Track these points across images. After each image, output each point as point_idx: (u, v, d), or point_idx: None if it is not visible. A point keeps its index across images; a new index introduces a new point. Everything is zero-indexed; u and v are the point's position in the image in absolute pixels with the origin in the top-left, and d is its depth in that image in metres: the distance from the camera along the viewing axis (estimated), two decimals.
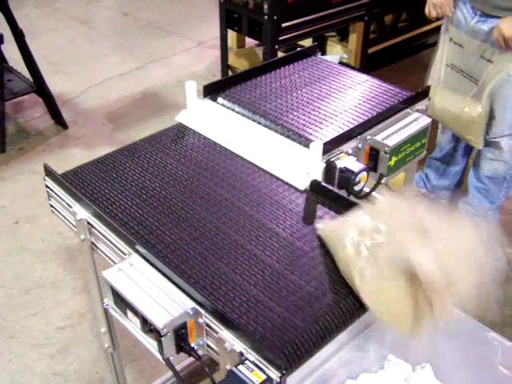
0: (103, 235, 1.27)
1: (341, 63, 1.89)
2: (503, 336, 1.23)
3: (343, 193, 1.40)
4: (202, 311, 1.05)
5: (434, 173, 2.71)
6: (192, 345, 1.07)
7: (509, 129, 2.27)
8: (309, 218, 1.28)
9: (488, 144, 2.36)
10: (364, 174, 1.39)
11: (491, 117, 2.28)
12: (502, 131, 2.28)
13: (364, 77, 1.83)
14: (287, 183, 1.38)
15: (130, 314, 1.11)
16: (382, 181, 1.53)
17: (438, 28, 2.34)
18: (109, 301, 1.16)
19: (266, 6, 2.96)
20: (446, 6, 2.23)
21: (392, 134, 1.53)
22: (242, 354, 0.99)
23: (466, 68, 2.23)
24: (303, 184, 1.37)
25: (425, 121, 1.60)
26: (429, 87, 1.75)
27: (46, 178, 1.43)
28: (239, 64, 3.62)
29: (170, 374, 1.84)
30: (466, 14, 2.15)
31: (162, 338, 1.02)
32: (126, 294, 1.08)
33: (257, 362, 0.97)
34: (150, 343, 1.09)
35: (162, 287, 1.10)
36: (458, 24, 2.19)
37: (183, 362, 1.81)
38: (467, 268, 1.06)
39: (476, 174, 2.47)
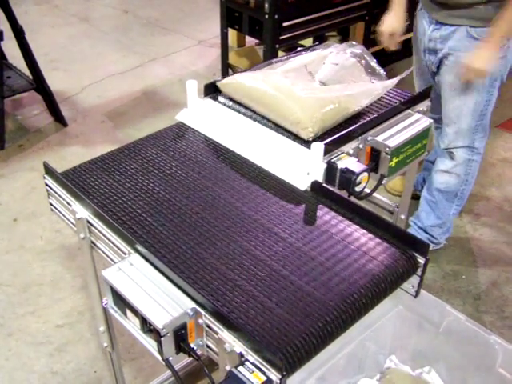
0: (103, 234, 1.27)
1: None
2: (502, 337, 1.23)
3: (344, 193, 1.39)
4: (202, 312, 1.05)
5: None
6: (192, 345, 1.07)
7: (463, 139, 2.18)
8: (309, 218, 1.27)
9: (441, 154, 2.28)
10: (365, 174, 1.39)
11: (444, 124, 2.21)
12: (455, 141, 2.19)
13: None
14: (288, 184, 1.38)
15: (129, 313, 1.11)
16: (383, 181, 1.53)
17: None
18: (108, 300, 1.15)
19: (266, 5, 2.96)
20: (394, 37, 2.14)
21: (393, 135, 1.53)
22: (242, 355, 0.98)
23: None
24: (304, 184, 1.36)
25: (426, 122, 1.60)
26: (431, 87, 1.75)
27: (45, 176, 1.43)
28: (239, 63, 3.61)
29: (168, 373, 1.84)
30: (425, 23, 2.13)
31: (162, 339, 1.02)
32: (126, 294, 1.08)
33: (257, 364, 0.96)
34: (149, 343, 1.09)
35: (162, 287, 1.09)
36: (421, 32, 2.17)
37: (182, 361, 1.80)
38: None
39: (428, 185, 2.37)
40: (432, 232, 2.39)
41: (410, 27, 2.58)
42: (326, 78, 1.61)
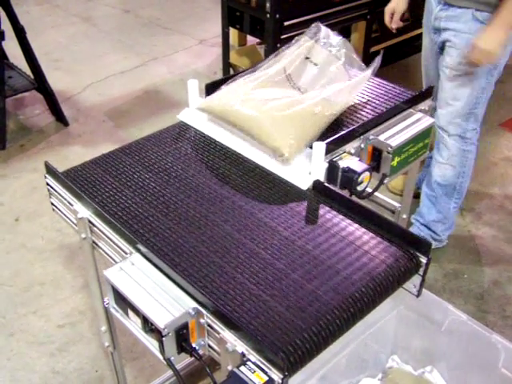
0: (104, 234, 1.27)
1: None
2: (504, 337, 1.23)
3: (346, 193, 1.39)
4: (204, 311, 1.05)
5: None
6: (193, 345, 1.06)
7: (455, 126, 2.21)
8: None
9: (437, 146, 2.31)
10: (367, 174, 1.38)
11: (438, 107, 2.25)
12: (447, 126, 2.22)
13: None
14: (290, 183, 1.38)
15: (131, 313, 1.11)
16: (385, 181, 1.53)
17: None
18: (110, 300, 1.15)
19: (268, 5, 2.95)
20: (397, 14, 2.29)
21: (395, 134, 1.52)
22: (243, 354, 0.98)
23: None
24: (306, 184, 1.36)
25: (428, 121, 1.60)
26: (432, 87, 1.74)
27: (46, 175, 1.43)
28: (241, 62, 3.61)
29: (170, 372, 1.84)
30: (433, 2, 2.16)
31: (164, 338, 1.02)
32: (128, 294, 1.07)
33: (258, 363, 0.96)
34: (151, 343, 1.08)
35: (164, 287, 1.09)
36: (430, 10, 2.20)
37: (183, 361, 1.80)
38: None
39: (427, 180, 2.40)
40: (434, 228, 2.41)
41: (410, 26, 2.58)
42: (305, 83, 1.58)
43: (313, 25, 1.70)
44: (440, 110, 2.24)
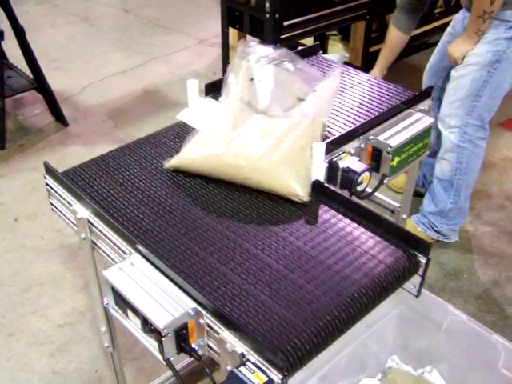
0: (104, 234, 1.26)
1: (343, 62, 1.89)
2: (504, 337, 1.23)
3: (345, 193, 1.39)
4: (203, 312, 1.04)
5: (431, 170, 2.70)
6: (193, 345, 1.06)
7: (456, 118, 2.24)
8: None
9: (439, 139, 2.38)
10: (366, 174, 1.38)
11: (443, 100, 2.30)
12: (449, 117, 2.26)
13: (366, 76, 1.82)
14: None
15: (130, 313, 1.11)
16: (385, 181, 1.53)
17: (439, 27, 2.35)
18: (109, 300, 1.15)
19: (267, 4, 2.95)
20: None
21: (395, 134, 1.52)
22: (243, 355, 0.98)
23: None
24: None
25: (427, 121, 1.60)
26: (432, 87, 1.74)
27: (46, 176, 1.43)
28: None
29: (169, 373, 1.84)
30: (461, 12, 2.26)
31: (163, 339, 1.01)
32: (127, 294, 1.07)
33: (258, 364, 0.96)
34: (150, 343, 1.08)
35: (163, 287, 1.09)
36: (456, 21, 2.31)
37: (183, 361, 1.80)
38: None
39: (433, 172, 2.47)
40: (432, 219, 2.46)
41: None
42: (265, 105, 1.45)
43: (238, 44, 1.61)
44: (444, 101, 2.27)
